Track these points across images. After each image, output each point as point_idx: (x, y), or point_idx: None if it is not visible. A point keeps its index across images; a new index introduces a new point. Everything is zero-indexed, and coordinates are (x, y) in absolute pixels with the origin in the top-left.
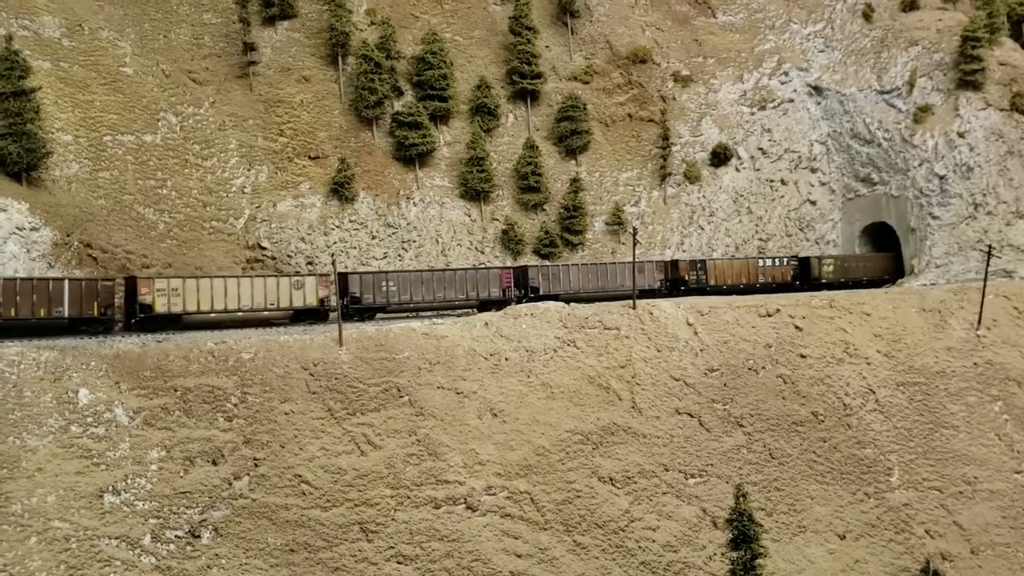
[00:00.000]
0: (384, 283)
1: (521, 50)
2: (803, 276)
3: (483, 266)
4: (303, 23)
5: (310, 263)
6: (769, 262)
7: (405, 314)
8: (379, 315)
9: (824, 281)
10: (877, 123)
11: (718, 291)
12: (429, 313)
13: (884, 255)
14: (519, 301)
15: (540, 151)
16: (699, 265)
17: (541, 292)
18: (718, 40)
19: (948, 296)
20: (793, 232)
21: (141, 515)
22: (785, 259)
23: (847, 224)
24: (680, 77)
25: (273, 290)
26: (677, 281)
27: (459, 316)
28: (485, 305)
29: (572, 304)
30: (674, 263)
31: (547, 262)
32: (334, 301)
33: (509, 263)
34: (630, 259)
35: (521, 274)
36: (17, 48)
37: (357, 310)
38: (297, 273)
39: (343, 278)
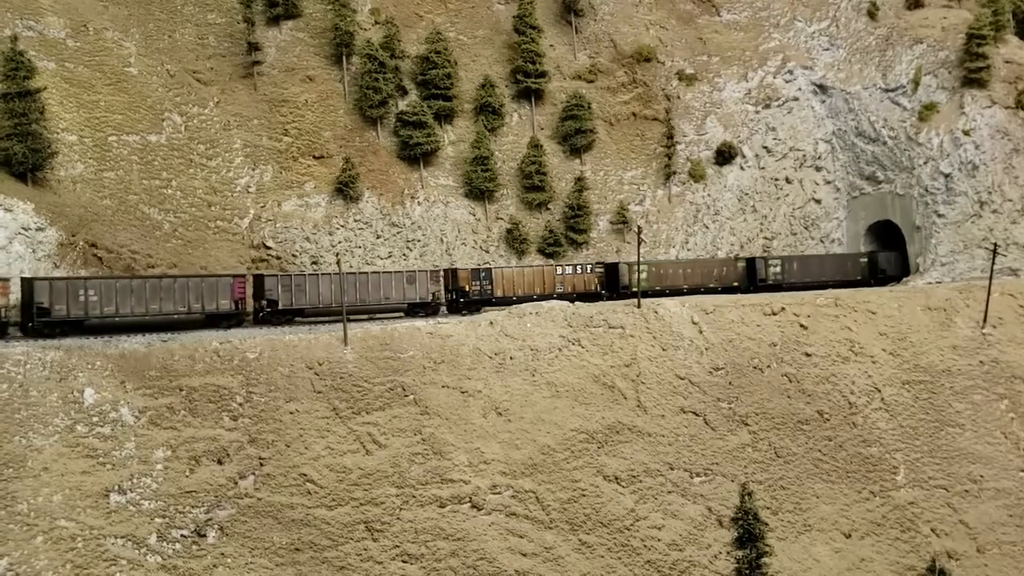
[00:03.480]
0: (82, 292)
1: (525, 49)
2: (612, 285)
3: (211, 274)
4: (307, 23)
5: (315, 262)
6: (569, 270)
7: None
8: (81, 331)
9: (635, 290)
10: (882, 121)
11: (506, 302)
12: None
13: (725, 260)
14: (256, 316)
15: (544, 150)
16: (483, 274)
17: (281, 306)
18: (722, 38)
19: (953, 294)
20: (798, 231)
21: (147, 514)
22: (589, 266)
23: (852, 222)
24: (684, 76)
25: None
26: (459, 292)
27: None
28: (213, 319)
29: (576, 303)
30: (453, 272)
31: (290, 271)
32: (19, 312)
33: (513, 262)
34: (399, 268)
35: (258, 284)
36: (22, 49)
37: (45, 324)
38: None
39: (28, 284)
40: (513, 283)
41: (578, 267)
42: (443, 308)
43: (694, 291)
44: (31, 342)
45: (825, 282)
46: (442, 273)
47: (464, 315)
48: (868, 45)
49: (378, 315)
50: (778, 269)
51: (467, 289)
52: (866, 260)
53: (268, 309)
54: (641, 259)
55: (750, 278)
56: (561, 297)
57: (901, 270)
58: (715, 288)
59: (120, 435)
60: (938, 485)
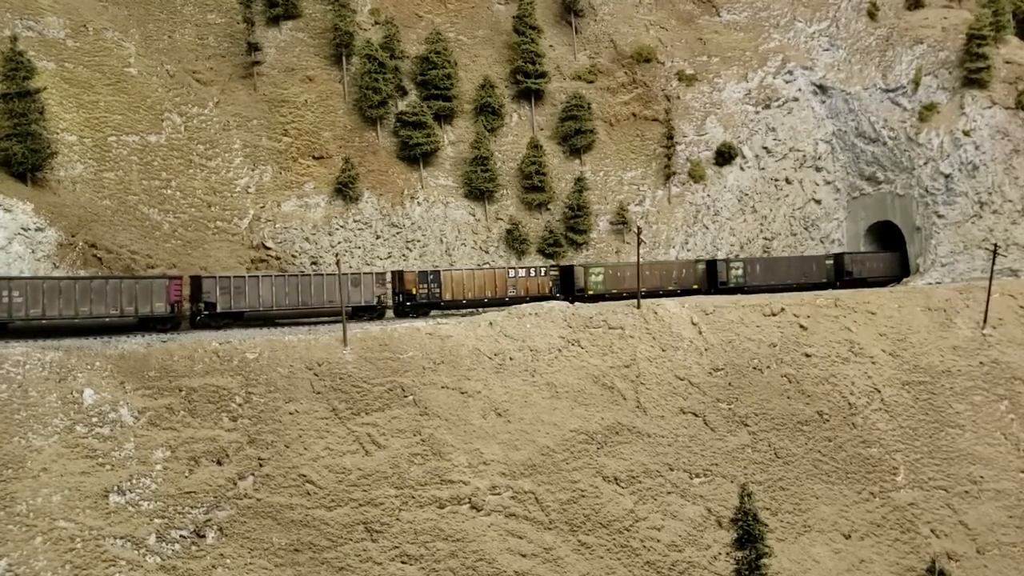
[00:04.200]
0: (6, 293)
1: (525, 49)
2: (567, 288)
3: (145, 276)
4: (307, 23)
5: (314, 263)
6: (522, 272)
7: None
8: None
9: (591, 293)
10: (882, 122)
11: (456, 305)
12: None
13: (685, 262)
14: (193, 319)
15: (544, 150)
16: (432, 277)
17: (219, 309)
18: (722, 39)
19: (954, 295)
20: (798, 231)
21: (146, 515)
22: (543, 269)
23: (852, 223)
24: (684, 76)
25: None
26: (406, 295)
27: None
28: (147, 323)
29: (576, 303)
30: (400, 274)
31: (231, 272)
32: None
33: (513, 262)
34: (344, 270)
35: (196, 286)
36: (22, 49)
37: None
38: None
39: None
40: (463, 286)
41: (531, 270)
42: (389, 312)
43: (652, 294)
44: (30, 342)
45: (789, 285)
46: (389, 275)
47: (412, 319)
48: (868, 45)
49: (323, 319)
50: (740, 272)
51: (414, 292)
52: (831, 262)
53: (206, 312)
54: (593, 262)
55: (711, 280)
56: (513, 301)
57: (900, 271)
58: (674, 291)
59: (119, 435)
60: (938, 486)
